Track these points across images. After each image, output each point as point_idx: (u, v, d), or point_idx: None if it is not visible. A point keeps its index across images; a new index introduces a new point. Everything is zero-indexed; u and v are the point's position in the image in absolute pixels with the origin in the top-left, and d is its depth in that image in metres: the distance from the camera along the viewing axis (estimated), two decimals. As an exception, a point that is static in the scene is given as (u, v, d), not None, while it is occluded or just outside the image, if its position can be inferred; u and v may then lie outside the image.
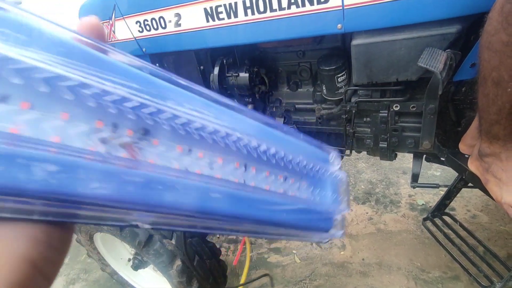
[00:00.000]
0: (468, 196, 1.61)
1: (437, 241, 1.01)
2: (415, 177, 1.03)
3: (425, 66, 0.65)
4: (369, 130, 0.98)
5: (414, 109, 0.86)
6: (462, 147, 0.82)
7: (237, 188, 0.24)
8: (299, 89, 1.10)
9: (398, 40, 0.74)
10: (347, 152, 1.06)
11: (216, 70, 1.05)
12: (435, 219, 1.07)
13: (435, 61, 0.65)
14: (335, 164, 0.32)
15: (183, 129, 0.21)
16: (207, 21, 0.90)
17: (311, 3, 0.75)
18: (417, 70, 0.76)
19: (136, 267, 1.17)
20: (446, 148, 0.86)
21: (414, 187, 1.04)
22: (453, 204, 1.51)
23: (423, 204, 1.65)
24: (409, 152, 0.99)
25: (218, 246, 1.21)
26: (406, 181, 1.83)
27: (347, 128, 1.01)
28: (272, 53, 1.09)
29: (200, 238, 1.11)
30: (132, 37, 1.08)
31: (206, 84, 1.15)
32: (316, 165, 0.30)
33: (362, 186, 1.89)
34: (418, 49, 0.72)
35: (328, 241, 0.31)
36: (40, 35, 0.16)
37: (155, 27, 1.00)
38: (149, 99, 0.19)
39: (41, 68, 0.16)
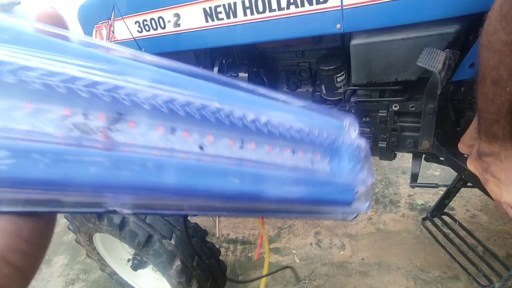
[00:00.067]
0: (467, 196, 1.61)
1: (436, 241, 1.02)
2: (414, 177, 1.03)
3: (424, 66, 0.65)
4: (368, 130, 0.98)
5: (413, 109, 0.86)
6: (461, 146, 0.82)
7: (229, 163, 0.21)
8: (298, 89, 1.10)
9: (397, 40, 0.74)
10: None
11: (215, 70, 1.05)
12: (434, 218, 1.07)
13: (434, 61, 0.65)
14: (351, 131, 0.29)
15: (165, 107, 0.20)
16: (206, 21, 0.90)
17: (310, 3, 0.75)
18: (416, 70, 0.76)
19: (135, 268, 1.17)
20: (445, 147, 0.86)
21: (413, 187, 1.04)
22: (452, 203, 1.51)
23: (422, 204, 1.65)
24: (408, 152, 0.99)
25: (217, 246, 1.21)
26: (406, 181, 1.83)
27: (347, 128, 1.01)
28: (271, 53, 1.09)
29: (199, 238, 1.11)
30: (131, 37, 1.08)
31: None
32: (329, 134, 0.27)
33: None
34: (417, 49, 0.72)
35: (355, 217, 0.29)
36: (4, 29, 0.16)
37: (154, 27, 1.00)
38: (118, 78, 0.18)
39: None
